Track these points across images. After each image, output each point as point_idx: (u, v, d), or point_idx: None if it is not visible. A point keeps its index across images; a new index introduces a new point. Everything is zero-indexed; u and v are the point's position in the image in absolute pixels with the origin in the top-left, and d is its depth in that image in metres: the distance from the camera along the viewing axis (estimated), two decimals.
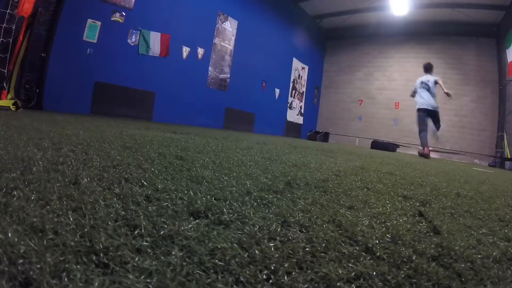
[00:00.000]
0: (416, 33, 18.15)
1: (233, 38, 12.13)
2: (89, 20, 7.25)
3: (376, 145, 13.47)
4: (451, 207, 1.42)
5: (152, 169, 1.19)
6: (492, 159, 15.72)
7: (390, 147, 13.54)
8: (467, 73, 17.32)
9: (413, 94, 8.80)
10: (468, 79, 17.25)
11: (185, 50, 9.96)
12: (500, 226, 1.21)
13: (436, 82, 8.10)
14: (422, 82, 8.40)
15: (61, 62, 6.84)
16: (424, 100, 8.23)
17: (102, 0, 7.48)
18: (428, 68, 8.60)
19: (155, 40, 8.90)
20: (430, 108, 8.12)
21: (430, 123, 8.33)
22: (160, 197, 0.83)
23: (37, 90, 6.46)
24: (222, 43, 11.59)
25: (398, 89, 18.46)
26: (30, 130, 2.18)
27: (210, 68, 11.06)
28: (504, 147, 15.08)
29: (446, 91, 7.93)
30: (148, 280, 0.43)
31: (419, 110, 8.46)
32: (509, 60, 14.56)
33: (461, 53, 17.55)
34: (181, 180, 1.04)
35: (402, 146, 15.73)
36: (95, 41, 7.36)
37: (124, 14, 7.93)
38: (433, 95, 8.18)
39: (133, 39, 8.28)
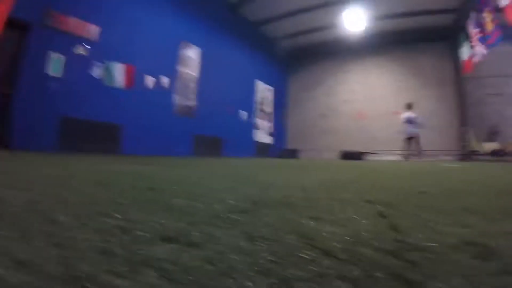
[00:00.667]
0: (374, 45, 18.84)
1: (197, 65, 12.25)
2: (53, 54, 7.17)
3: (345, 155, 13.79)
4: (414, 205, 1.47)
5: (125, 202, 1.22)
6: (459, 153, 16.34)
7: (359, 155, 13.87)
8: (426, 76, 18.09)
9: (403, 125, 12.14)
10: (428, 82, 18.01)
11: (150, 80, 9.94)
12: (463, 215, 1.26)
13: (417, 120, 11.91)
14: (406, 118, 12.03)
15: (26, 99, 6.72)
16: (407, 131, 11.94)
17: (66, 33, 7.43)
18: (410, 106, 12.34)
19: (119, 72, 8.85)
20: (411, 136, 11.87)
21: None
22: (134, 227, 0.87)
23: (2, 129, 6.29)
24: (187, 71, 11.66)
25: (360, 99, 19.10)
26: None
27: (176, 96, 11.04)
28: (469, 140, 15.74)
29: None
30: None
31: (405, 138, 12.09)
32: (463, 59, 15.38)
33: (419, 59, 18.35)
34: (153, 210, 1.08)
35: (370, 153, 16.10)
36: (60, 75, 7.26)
37: (88, 46, 7.90)
38: (413, 126, 11.89)
39: (97, 72, 8.22)
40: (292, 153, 15.96)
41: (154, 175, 2.31)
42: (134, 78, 9.26)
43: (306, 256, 0.70)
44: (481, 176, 3.41)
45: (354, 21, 16.04)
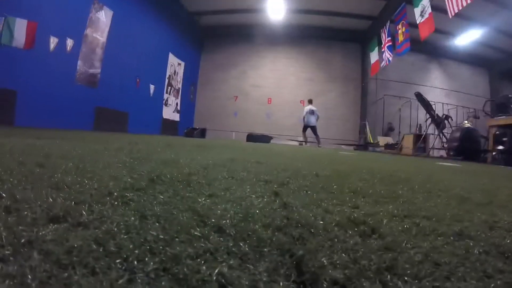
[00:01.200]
0: (289, 36, 19.60)
1: (107, 29, 11.22)
2: None
3: (251, 138, 14.15)
4: (307, 186, 1.57)
5: (12, 179, 1.12)
6: (356, 144, 17.96)
7: (264, 139, 14.39)
8: (333, 72, 19.44)
9: (304, 117, 14.09)
10: (334, 77, 19.38)
11: (53, 41, 8.84)
12: (351, 196, 1.37)
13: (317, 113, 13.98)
14: (309, 110, 13.86)
15: None
16: (309, 121, 13.76)
17: None
18: (311, 101, 14.33)
19: (20, 29, 7.71)
20: (310, 125, 13.78)
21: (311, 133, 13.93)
22: (19, 207, 0.81)
23: None
24: (94, 35, 10.61)
25: (270, 86, 19.80)
26: None
27: (79, 62, 10.02)
28: (366, 133, 17.41)
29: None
30: (11, 283, 0.46)
31: (305, 126, 13.98)
32: (371, 62, 16.91)
33: (329, 55, 19.62)
34: (41, 188, 1.01)
35: (276, 137, 16.79)
36: None
37: None
38: (314, 117, 13.78)
39: None
40: (200, 132, 15.89)
41: (48, 150, 2.13)
42: (35, 38, 8.15)
43: (198, 233, 0.72)
44: (371, 164, 3.75)
45: (275, 10, 16.32)
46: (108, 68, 11.43)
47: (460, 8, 9.85)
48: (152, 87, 14.94)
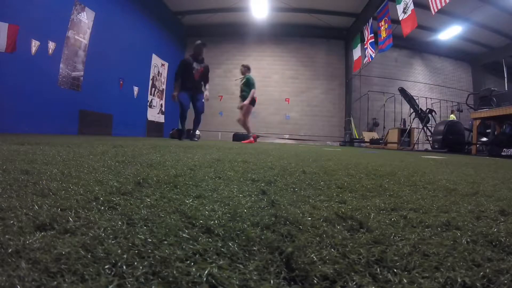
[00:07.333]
0: (273, 34, 19.68)
1: (89, 31, 11.01)
2: None
3: (237, 137, 14.13)
4: (294, 183, 1.57)
5: None
6: (342, 139, 18.11)
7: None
8: (317, 69, 19.55)
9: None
10: (319, 75, 19.50)
11: (34, 45, 8.67)
12: (338, 192, 1.39)
13: None
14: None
15: None
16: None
17: None
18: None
19: (1, 32, 7.58)
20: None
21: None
22: (4, 216, 0.79)
23: None
24: (76, 37, 10.41)
25: (256, 85, 19.78)
26: None
27: (61, 65, 9.83)
28: (352, 129, 17.58)
29: None
30: None
31: None
32: (354, 59, 17.13)
33: (313, 53, 19.72)
34: (26, 196, 0.99)
35: (262, 136, 16.80)
36: None
37: None
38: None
39: None
40: (186, 133, 15.79)
41: (32, 156, 2.09)
42: (16, 41, 8.01)
43: (186, 235, 0.72)
44: (357, 160, 3.78)
45: (259, 8, 16.34)
46: (91, 70, 11.24)
47: (443, 4, 9.98)
48: (136, 88, 14.77)
